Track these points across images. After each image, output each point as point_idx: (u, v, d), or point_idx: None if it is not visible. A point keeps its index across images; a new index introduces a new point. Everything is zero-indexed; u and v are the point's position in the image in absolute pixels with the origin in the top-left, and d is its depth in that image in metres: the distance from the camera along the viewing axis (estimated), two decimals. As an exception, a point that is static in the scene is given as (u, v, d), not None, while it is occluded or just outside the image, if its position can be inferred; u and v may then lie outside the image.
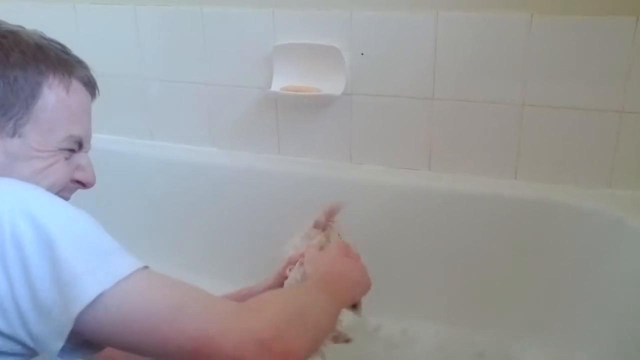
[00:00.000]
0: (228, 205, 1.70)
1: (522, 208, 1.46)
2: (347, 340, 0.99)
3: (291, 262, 1.04)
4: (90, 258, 0.67)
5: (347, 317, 0.97)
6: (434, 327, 1.47)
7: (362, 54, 1.53)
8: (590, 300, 1.40)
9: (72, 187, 0.85)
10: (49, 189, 0.79)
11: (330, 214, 1.11)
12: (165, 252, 1.68)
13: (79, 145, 0.85)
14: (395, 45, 1.50)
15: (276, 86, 1.60)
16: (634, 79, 1.35)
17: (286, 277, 1.03)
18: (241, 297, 1.01)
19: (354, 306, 0.99)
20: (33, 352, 0.68)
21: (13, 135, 0.77)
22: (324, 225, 1.09)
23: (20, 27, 0.83)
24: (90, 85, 0.87)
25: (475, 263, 1.51)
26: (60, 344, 0.65)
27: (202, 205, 1.72)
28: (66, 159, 0.83)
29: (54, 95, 0.80)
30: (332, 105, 1.60)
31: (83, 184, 0.86)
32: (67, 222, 0.69)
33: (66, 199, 0.83)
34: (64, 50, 0.84)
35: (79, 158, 0.85)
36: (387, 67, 1.53)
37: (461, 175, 1.54)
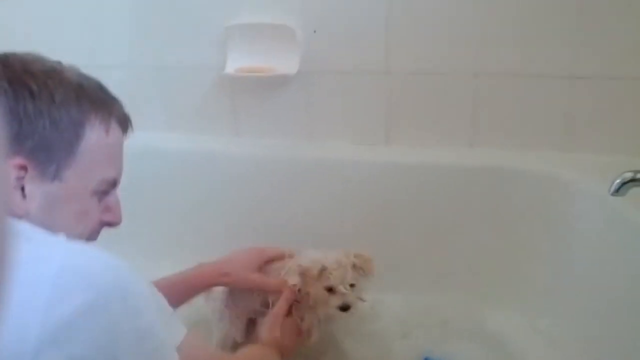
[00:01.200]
0: (187, 190, 1.69)
1: (479, 176, 1.49)
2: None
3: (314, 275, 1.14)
4: (164, 323, 0.70)
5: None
6: (399, 296, 1.49)
7: (315, 32, 1.53)
8: (549, 264, 1.43)
9: (99, 229, 0.84)
10: (82, 233, 0.78)
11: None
12: (124, 237, 1.66)
13: (112, 186, 0.83)
14: (348, 21, 1.50)
15: (230, 67, 1.58)
16: (582, 45, 1.38)
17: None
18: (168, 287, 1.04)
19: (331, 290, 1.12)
20: None
21: (54, 179, 0.75)
22: (357, 264, 1.16)
23: (59, 62, 0.80)
24: (127, 125, 0.85)
25: (437, 232, 1.54)
26: None
27: (160, 191, 1.70)
28: (99, 200, 0.81)
29: (94, 136, 0.78)
30: (288, 84, 1.59)
31: (110, 224, 0.85)
32: (148, 294, 0.70)
33: (94, 240, 0.82)
34: (101, 88, 0.82)
35: (109, 198, 0.84)
36: (340, 44, 1.53)
37: (419, 147, 1.56)
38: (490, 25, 1.42)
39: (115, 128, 0.82)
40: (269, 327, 1.12)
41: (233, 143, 1.68)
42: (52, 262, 0.60)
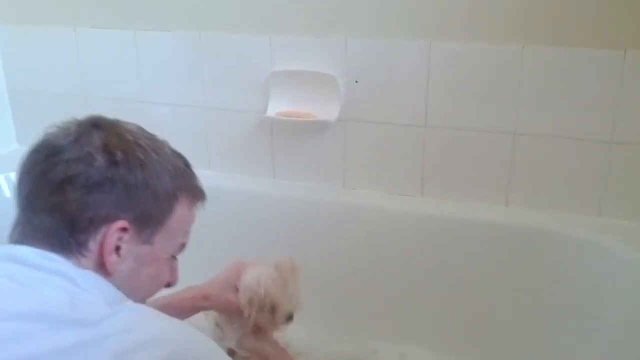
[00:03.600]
0: (222, 228, 1.71)
1: (513, 235, 1.47)
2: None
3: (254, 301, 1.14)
4: None
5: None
6: (427, 352, 1.47)
7: (357, 82, 1.56)
8: (580, 330, 1.40)
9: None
10: (152, 291, 0.85)
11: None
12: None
13: (182, 250, 0.89)
14: (389, 73, 1.53)
15: (272, 111, 1.62)
16: (621, 111, 1.38)
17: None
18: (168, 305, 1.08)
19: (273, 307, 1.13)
20: None
21: (145, 242, 0.80)
22: (281, 271, 1.17)
23: (155, 136, 0.86)
24: (203, 200, 0.91)
25: (468, 288, 1.52)
26: None
27: (196, 227, 1.72)
28: (171, 263, 0.88)
29: (181, 211, 0.84)
30: (326, 130, 1.62)
31: (168, 285, 0.90)
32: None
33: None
34: (187, 165, 0.88)
35: (176, 261, 0.90)
36: (380, 95, 1.55)
37: (453, 201, 1.56)
38: (532, 85, 1.43)
39: (197, 205, 0.89)
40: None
41: (269, 184, 1.71)
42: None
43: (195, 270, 1.74)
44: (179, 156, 0.87)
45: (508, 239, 1.47)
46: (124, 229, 0.77)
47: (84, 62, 1.75)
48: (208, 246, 1.73)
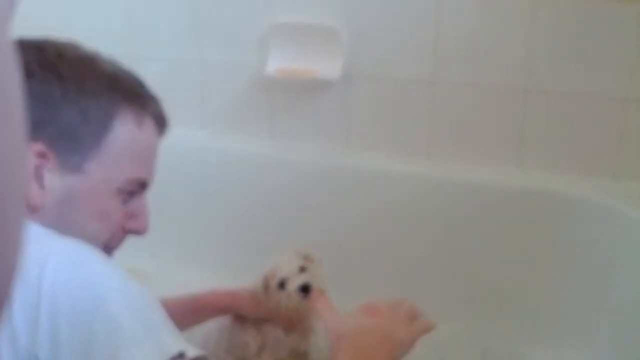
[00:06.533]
0: (217, 190, 1.66)
1: (524, 198, 1.43)
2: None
3: (266, 280, 1.04)
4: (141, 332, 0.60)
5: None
6: (436, 319, 1.43)
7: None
8: (590, 294, 1.38)
9: (121, 236, 0.78)
10: (99, 236, 0.72)
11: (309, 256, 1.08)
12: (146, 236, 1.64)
13: (141, 188, 0.78)
14: (395, 26, 1.46)
15: (271, 67, 1.54)
16: (638, 67, 1.32)
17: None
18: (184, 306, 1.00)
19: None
20: None
21: (75, 170, 0.70)
22: (304, 255, 1.08)
23: (97, 53, 0.76)
24: (163, 124, 0.80)
25: (477, 254, 1.48)
26: None
27: (189, 189, 1.67)
28: (123, 202, 0.75)
29: (125, 130, 0.73)
30: (329, 88, 1.55)
31: (134, 233, 0.79)
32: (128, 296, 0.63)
33: (115, 247, 0.77)
34: (139, 83, 0.78)
35: (136, 202, 0.78)
36: (386, 49, 1.48)
37: (461, 164, 1.50)
38: (546, 40, 1.36)
39: (149, 125, 0.77)
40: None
41: (267, 145, 1.65)
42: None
43: (189, 234, 1.70)
44: (127, 72, 0.76)
45: (519, 203, 1.43)
46: (42, 155, 0.67)
47: (73, 17, 1.68)
48: (202, 210, 1.69)
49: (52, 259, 0.59)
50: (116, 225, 0.75)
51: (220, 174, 1.64)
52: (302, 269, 1.05)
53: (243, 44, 1.59)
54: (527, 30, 1.36)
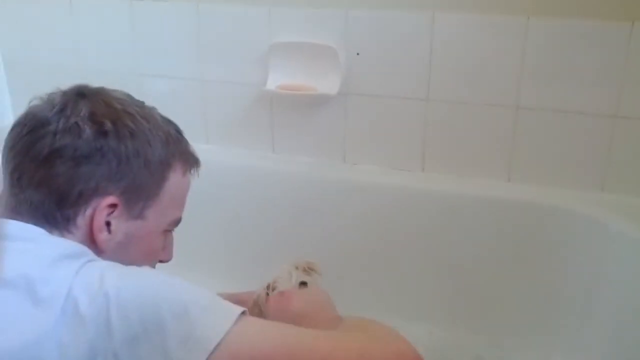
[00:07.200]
0: (220, 203, 1.69)
1: (514, 211, 1.46)
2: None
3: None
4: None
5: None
6: (428, 328, 1.47)
7: (358, 54, 1.53)
8: (578, 303, 1.40)
9: (153, 266, 0.86)
10: (142, 265, 0.79)
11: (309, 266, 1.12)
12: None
13: (176, 225, 0.86)
14: (391, 45, 1.50)
15: (271, 84, 1.59)
16: (627, 84, 1.35)
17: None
18: None
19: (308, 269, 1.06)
20: None
21: (138, 217, 0.77)
22: (304, 267, 1.10)
23: (144, 103, 0.82)
24: (197, 167, 0.87)
25: (468, 264, 1.51)
26: None
27: (194, 201, 1.70)
28: (165, 238, 0.84)
29: (175, 179, 0.81)
30: (327, 104, 1.59)
31: (162, 262, 0.87)
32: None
33: None
34: (178, 131, 0.84)
35: (169, 236, 0.86)
36: (382, 68, 1.52)
37: (454, 176, 1.54)
38: (536, 58, 1.40)
39: (190, 172, 0.85)
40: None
41: (268, 158, 1.69)
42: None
43: (193, 246, 1.74)
44: (170, 122, 0.83)
45: (510, 215, 1.46)
46: (113, 205, 0.74)
47: (79, 34, 1.70)
48: (205, 222, 1.72)
49: (107, 272, 0.66)
50: (157, 258, 0.84)
51: (223, 186, 1.68)
52: (302, 284, 1.08)
53: (245, 62, 1.63)
54: (518, 49, 1.40)
